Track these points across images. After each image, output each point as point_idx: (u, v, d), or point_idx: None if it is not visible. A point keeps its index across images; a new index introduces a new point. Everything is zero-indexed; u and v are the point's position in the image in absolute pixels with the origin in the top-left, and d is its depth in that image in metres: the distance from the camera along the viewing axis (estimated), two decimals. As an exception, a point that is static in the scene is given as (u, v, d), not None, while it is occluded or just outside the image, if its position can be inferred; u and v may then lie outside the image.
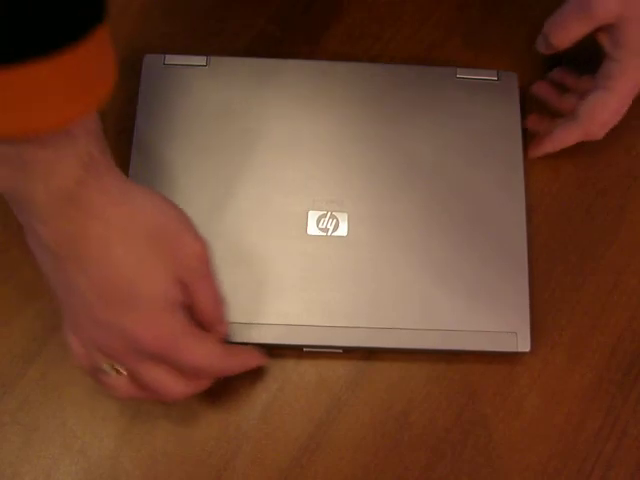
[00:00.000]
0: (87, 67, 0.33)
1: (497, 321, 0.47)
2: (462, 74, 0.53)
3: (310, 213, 0.49)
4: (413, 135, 0.51)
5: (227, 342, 0.45)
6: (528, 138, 0.52)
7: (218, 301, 0.43)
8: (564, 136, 0.50)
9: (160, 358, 0.40)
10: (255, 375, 0.48)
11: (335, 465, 0.47)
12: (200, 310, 0.42)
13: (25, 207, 0.37)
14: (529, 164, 0.52)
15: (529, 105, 0.54)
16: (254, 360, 0.45)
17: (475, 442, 0.47)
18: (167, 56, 0.52)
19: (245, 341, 0.46)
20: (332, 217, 0.49)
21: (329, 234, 0.49)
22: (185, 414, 0.47)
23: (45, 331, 0.48)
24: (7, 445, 0.46)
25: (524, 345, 0.47)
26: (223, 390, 0.48)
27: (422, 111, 0.52)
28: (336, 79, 0.53)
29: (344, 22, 0.57)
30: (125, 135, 0.51)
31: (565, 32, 0.47)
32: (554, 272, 0.51)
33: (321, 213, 0.49)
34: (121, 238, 0.38)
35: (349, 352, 0.48)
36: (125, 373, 0.41)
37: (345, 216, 0.49)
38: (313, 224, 0.49)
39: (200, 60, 0.52)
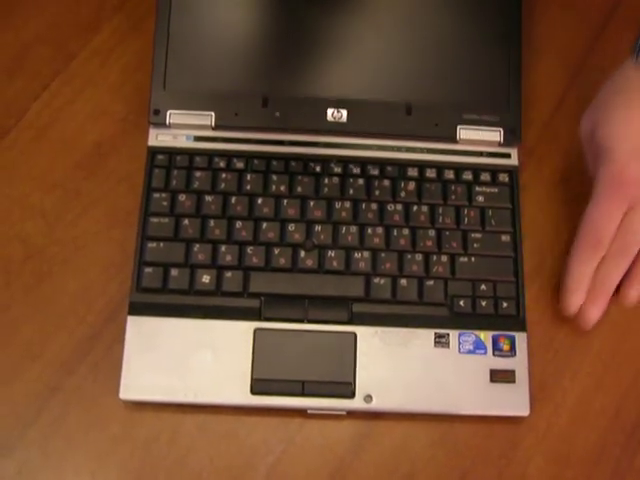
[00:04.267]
0: None
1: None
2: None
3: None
4: None
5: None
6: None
7: None
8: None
9: None
10: (259, 436, 0.47)
11: (339, 529, 0.46)
12: None
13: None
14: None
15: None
16: None
17: (481, 505, 0.47)
18: None
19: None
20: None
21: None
22: (188, 475, 0.47)
23: (46, 392, 0.48)
24: (6, 510, 0.46)
25: (523, 409, 0.47)
26: (226, 451, 0.47)
27: None
28: None
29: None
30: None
31: None
32: (557, 334, 0.50)
33: None
34: None
35: (353, 414, 0.48)
36: None
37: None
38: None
39: None
